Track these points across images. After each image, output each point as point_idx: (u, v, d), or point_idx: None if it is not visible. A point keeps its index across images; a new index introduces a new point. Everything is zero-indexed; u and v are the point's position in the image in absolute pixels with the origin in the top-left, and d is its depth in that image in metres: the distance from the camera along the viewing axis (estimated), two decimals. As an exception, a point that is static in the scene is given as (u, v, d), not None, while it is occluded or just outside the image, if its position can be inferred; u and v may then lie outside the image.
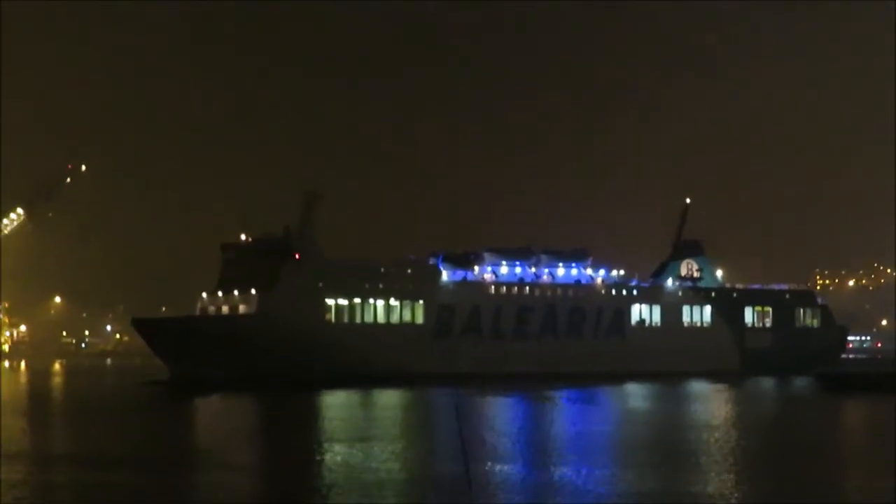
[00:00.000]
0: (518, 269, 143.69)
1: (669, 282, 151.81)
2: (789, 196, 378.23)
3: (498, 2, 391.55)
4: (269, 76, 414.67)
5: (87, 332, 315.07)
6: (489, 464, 47.56)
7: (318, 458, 52.28)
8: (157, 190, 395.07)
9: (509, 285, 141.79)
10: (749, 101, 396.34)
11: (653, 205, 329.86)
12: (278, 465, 51.36)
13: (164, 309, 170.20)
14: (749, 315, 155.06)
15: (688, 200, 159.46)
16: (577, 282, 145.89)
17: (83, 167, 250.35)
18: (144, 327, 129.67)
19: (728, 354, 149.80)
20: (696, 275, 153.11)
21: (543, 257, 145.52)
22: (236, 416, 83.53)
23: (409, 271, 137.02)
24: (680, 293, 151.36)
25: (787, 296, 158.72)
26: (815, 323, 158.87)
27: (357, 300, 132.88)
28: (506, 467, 47.45)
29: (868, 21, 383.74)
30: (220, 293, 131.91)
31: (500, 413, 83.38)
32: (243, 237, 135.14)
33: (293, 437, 63.53)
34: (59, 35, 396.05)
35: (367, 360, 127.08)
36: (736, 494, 41.24)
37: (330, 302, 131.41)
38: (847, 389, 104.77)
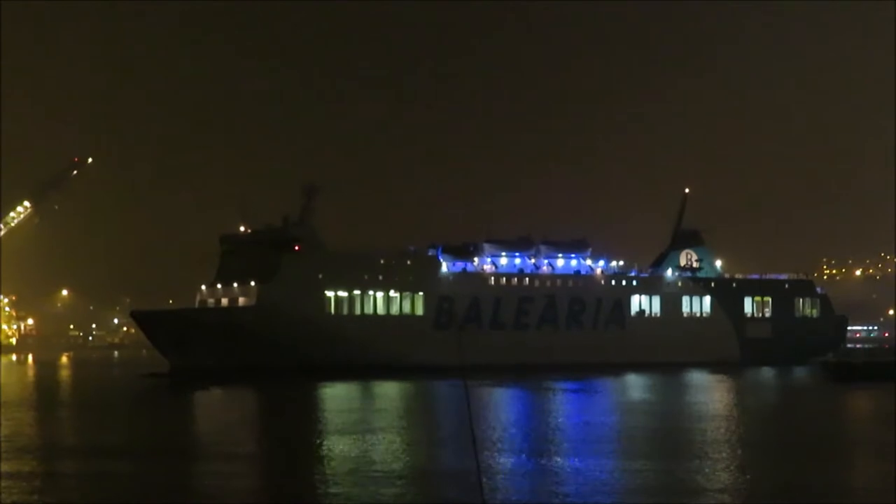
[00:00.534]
0: (518, 260, 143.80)
1: (669, 272, 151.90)
2: (796, 186, 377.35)
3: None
4: (270, 69, 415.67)
5: (94, 325, 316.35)
6: (496, 455, 47.64)
7: (318, 449, 52.33)
8: (165, 181, 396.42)
9: (509, 276, 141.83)
10: (751, 93, 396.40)
11: (652, 195, 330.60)
12: (279, 455, 51.36)
13: (171, 301, 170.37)
14: (748, 305, 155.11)
15: (686, 190, 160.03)
16: (577, 272, 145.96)
17: (89, 160, 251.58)
18: (143, 319, 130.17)
19: (727, 344, 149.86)
20: (695, 265, 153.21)
21: (543, 248, 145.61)
22: (236, 408, 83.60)
23: (408, 263, 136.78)
24: (679, 283, 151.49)
25: (787, 286, 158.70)
26: (815, 313, 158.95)
27: (357, 292, 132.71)
28: (511, 458, 47.50)
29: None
30: (219, 285, 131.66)
31: (502, 404, 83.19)
32: (242, 229, 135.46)
33: (293, 428, 63.42)
34: (64, 30, 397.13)
35: (368, 352, 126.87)
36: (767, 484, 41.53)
37: (330, 293, 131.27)
38: (855, 378, 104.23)
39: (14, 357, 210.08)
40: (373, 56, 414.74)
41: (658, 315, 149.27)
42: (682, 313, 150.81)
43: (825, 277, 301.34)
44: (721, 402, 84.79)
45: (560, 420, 68.43)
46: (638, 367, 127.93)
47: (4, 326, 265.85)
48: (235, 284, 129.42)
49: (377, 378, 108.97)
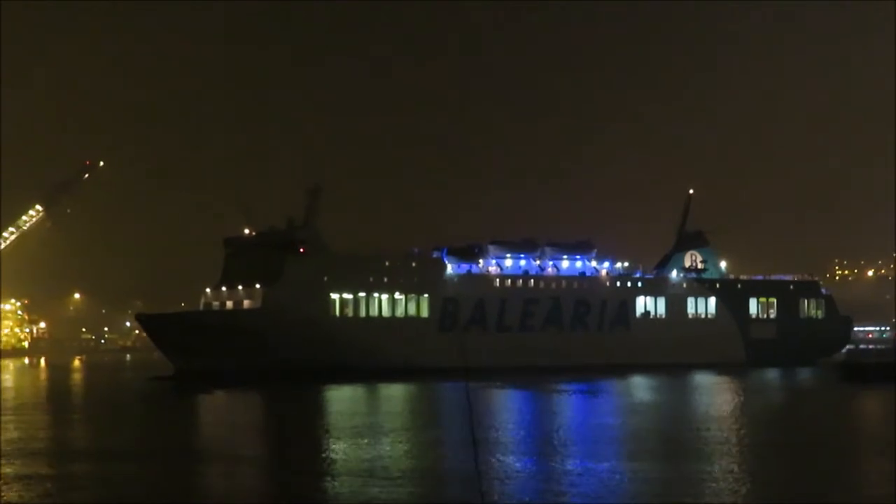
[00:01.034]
0: (523, 262, 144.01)
1: (674, 273, 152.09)
2: (809, 187, 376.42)
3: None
4: (275, 72, 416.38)
5: (106, 329, 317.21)
6: (499, 456, 47.69)
7: (324, 451, 52.21)
8: (176, 182, 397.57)
9: (514, 278, 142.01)
10: (755, 95, 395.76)
11: (658, 197, 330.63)
12: (284, 457, 51.50)
13: (182, 304, 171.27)
14: (753, 306, 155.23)
15: (691, 191, 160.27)
16: (582, 274, 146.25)
17: (101, 163, 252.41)
18: (148, 323, 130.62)
19: (732, 345, 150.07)
20: (700, 266, 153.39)
21: (548, 250, 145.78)
22: (240, 410, 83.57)
23: (413, 265, 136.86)
24: (684, 285, 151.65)
25: (792, 286, 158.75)
26: (820, 314, 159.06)
27: (362, 294, 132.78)
28: (515, 459, 47.58)
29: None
30: (224, 288, 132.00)
31: (508, 405, 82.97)
32: (247, 231, 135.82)
33: (298, 431, 63.48)
34: (74, 33, 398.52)
35: (372, 354, 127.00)
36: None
37: (334, 296, 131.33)
38: (866, 379, 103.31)
39: (27, 360, 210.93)
40: (378, 56, 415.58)
41: (663, 316, 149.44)
42: (686, 314, 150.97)
43: (837, 278, 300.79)
44: (730, 404, 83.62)
45: (566, 421, 68.20)
46: (643, 369, 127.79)
47: (17, 330, 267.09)
48: (240, 287, 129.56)
49: (382, 380, 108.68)
